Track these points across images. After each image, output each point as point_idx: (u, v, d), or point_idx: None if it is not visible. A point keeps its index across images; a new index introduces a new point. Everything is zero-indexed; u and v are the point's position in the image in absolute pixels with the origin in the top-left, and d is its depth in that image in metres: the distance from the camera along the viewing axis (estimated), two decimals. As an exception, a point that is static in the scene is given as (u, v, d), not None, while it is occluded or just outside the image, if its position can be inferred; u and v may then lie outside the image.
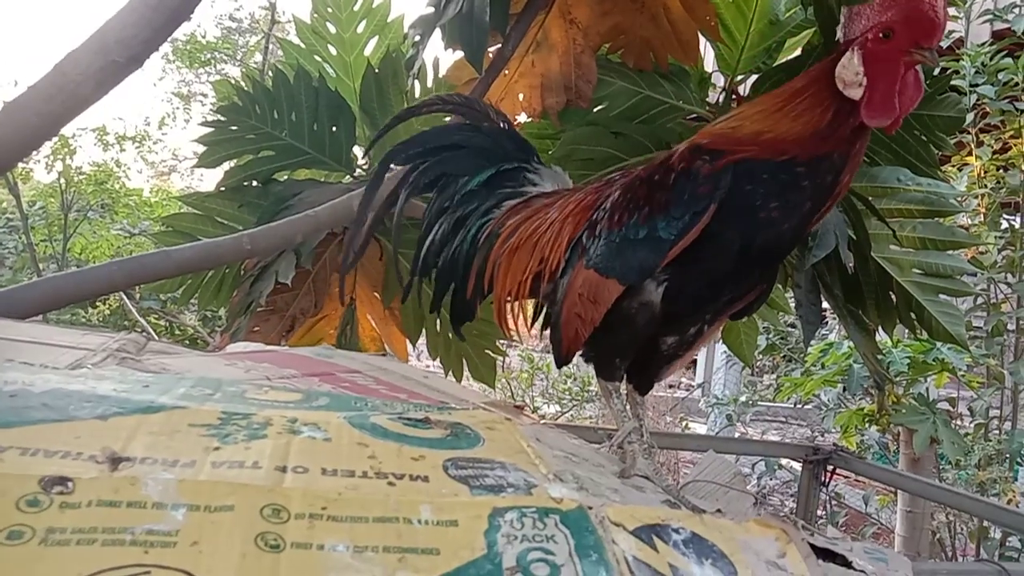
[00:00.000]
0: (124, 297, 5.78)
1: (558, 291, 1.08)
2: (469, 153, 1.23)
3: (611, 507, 0.64)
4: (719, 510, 0.81)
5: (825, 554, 0.69)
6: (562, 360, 1.09)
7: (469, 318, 1.26)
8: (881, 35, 0.89)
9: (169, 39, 1.34)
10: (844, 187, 0.95)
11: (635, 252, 0.98)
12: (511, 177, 1.24)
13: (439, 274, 1.25)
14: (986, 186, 3.61)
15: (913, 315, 1.78)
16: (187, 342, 5.93)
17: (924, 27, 0.88)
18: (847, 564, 0.69)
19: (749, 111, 0.99)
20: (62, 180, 7.43)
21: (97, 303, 6.52)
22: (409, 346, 2.34)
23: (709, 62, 1.97)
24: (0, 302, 1.34)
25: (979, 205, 3.62)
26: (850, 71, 0.90)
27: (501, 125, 1.27)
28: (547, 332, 1.15)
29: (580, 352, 1.08)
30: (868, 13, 0.91)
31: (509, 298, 1.18)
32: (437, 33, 1.73)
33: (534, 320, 1.21)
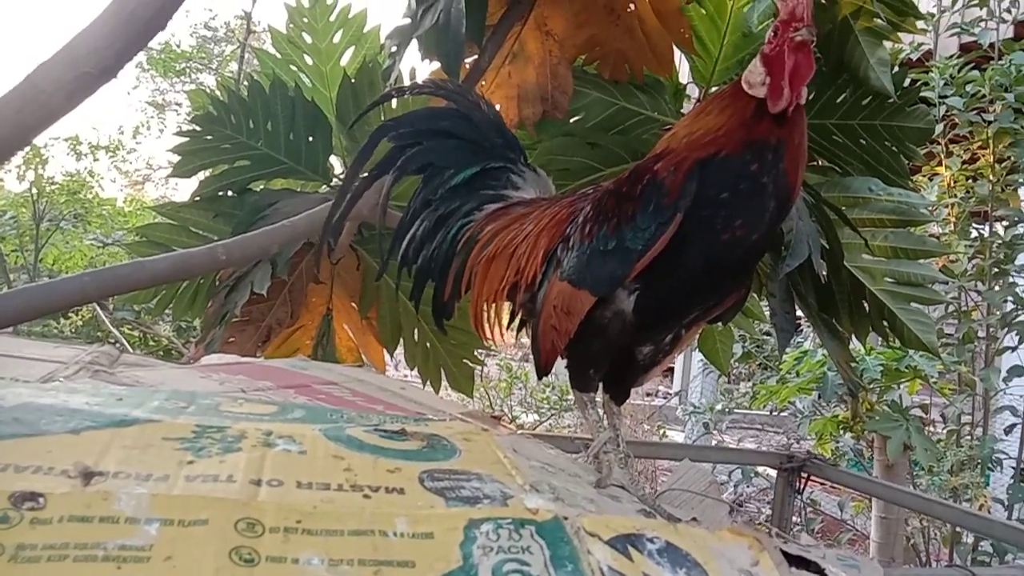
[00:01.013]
0: (97, 308, 5.71)
1: (536, 303, 1.09)
2: (458, 145, 1.24)
3: (587, 517, 0.64)
4: (694, 519, 0.81)
5: (798, 561, 0.69)
6: (541, 371, 1.10)
7: (448, 316, 1.28)
8: (772, 35, 0.96)
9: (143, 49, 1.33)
10: (799, 180, 0.98)
11: (604, 263, 0.99)
12: (495, 176, 1.25)
13: (418, 272, 1.26)
14: (956, 196, 3.67)
15: (886, 323, 1.80)
16: (161, 353, 5.86)
17: (792, 9, 0.94)
18: (820, 571, 0.69)
19: (678, 124, 1.03)
20: (34, 190, 7.33)
21: (69, 314, 6.43)
22: (387, 356, 2.34)
23: (684, 74, 1.99)
24: (-30, 314, 1.32)
25: (949, 214, 3.68)
26: (754, 74, 0.95)
27: (491, 117, 1.27)
28: (523, 339, 1.17)
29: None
30: None
31: (485, 305, 1.20)
32: (414, 44, 1.74)
33: (509, 325, 1.23)
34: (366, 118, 1.92)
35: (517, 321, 1.21)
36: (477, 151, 1.24)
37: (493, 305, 1.20)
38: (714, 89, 1.92)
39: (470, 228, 1.22)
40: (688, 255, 0.96)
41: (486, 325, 1.22)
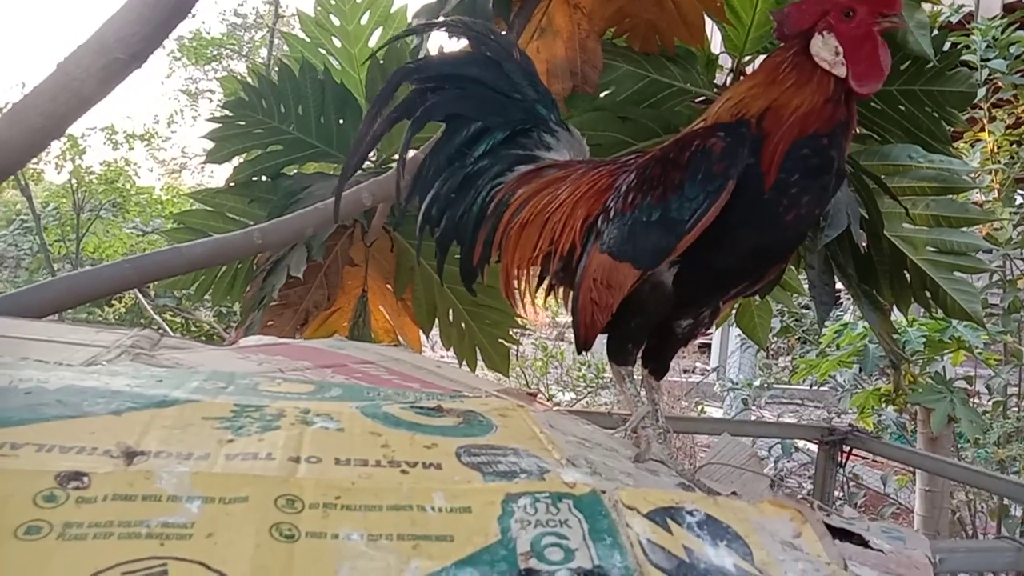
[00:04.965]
0: (139, 295, 5.82)
1: (570, 273, 1.08)
2: (486, 95, 1.16)
3: (625, 491, 0.64)
4: (734, 492, 0.81)
5: (842, 534, 0.68)
6: (581, 345, 1.07)
7: (474, 279, 1.22)
8: (843, 15, 0.92)
9: (174, 36, 1.34)
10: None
11: (648, 235, 0.95)
12: (526, 135, 1.18)
13: (443, 233, 1.20)
14: (999, 161, 3.57)
15: (928, 293, 1.77)
16: (203, 338, 5.96)
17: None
18: (864, 543, 0.68)
19: (740, 90, 0.97)
20: (73, 180, 7.48)
21: (113, 301, 6.57)
22: (423, 336, 2.35)
23: (716, 44, 1.95)
24: (17, 302, 1.35)
25: (993, 181, 3.58)
26: (828, 51, 0.92)
27: (524, 67, 1.19)
28: (559, 317, 1.14)
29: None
30: (813, 4, 0.95)
31: (517, 272, 1.16)
32: (441, 22, 1.73)
33: (537, 288, 1.19)
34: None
35: (545, 285, 1.17)
36: (507, 104, 1.17)
37: (525, 272, 1.16)
38: (747, 59, 1.89)
39: (500, 190, 1.16)
40: (743, 233, 0.93)
41: (516, 293, 1.18)
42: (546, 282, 1.17)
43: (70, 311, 1.71)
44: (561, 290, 1.15)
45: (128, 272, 1.50)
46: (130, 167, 8.87)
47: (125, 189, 8.19)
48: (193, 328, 6.49)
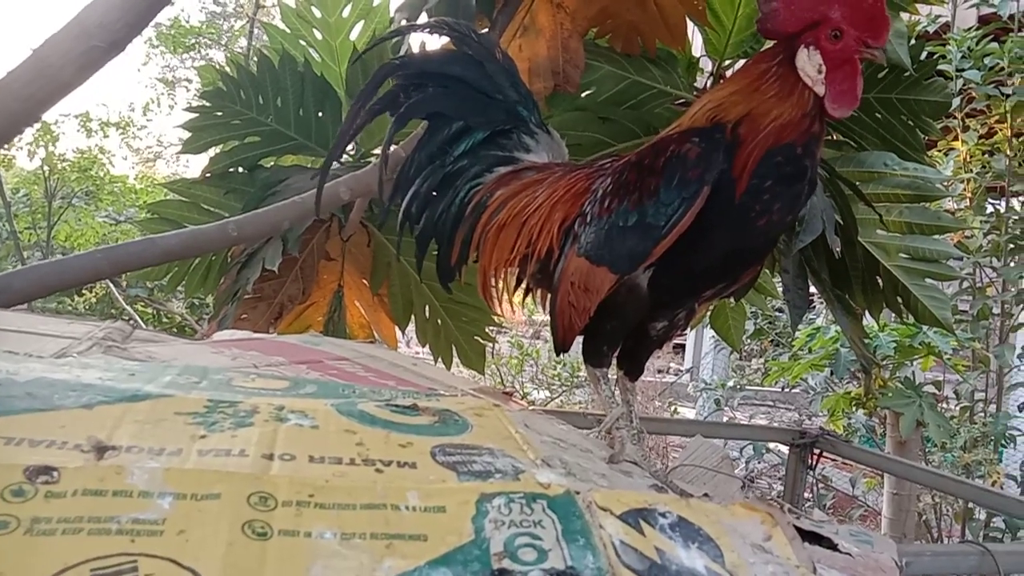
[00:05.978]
0: (111, 285, 5.75)
1: (547, 275, 1.08)
2: (468, 94, 1.17)
3: (598, 492, 0.64)
4: (706, 494, 0.81)
5: (811, 537, 0.69)
6: (559, 347, 1.08)
7: (452, 279, 1.23)
8: (832, 35, 0.94)
9: (152, 23, 1.33)
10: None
11: (625, 239, 0.96)
12: (506, 136, 1.20)
13: (422, 232, 1.21)
14: (972, 171, 3.63)
15: (899, 299, 1.79)
16: (175, 330, 5.90)
17: (873, 28, 0.94)
18: (833, 547, 0.69)
19: (720, 94, 0.99)
20: (45, 167, 7.36)
21: (83, 291, 6.48)
22: (398, 333, 2.34)
23: (697, 47, 1.96)
24: (-16, 291, 1.33)
25: (965, 190, 3.64)
26: (813, 68, 0.94)
27: (506, 67, 1.20)
28: (535, 316, 1.15)
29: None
30: (805, 8, 0.95)
31: (494, 274, 1.17)
32: (423, 18, 1.72)
33: (514, 291, 1.20)
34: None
35: (523, 289, 1.18)
36: (488, 104, 1.18)
37: (502, 274, 1.17)
38: (727, 63, 1.90)
39: (479, 191, 1.17)
40: (716, 237, 0.94)
41: (493, 294, 1.19)
42: (523, 284, 1.17)
43: (39, 301, 1.69)
44: (539, 292, 1.15)
45: (100, 262, 1.47)
46: (104, 155, 8.74)
47: (98, 177, 8.07)
48: (164, 319, 6.42)
